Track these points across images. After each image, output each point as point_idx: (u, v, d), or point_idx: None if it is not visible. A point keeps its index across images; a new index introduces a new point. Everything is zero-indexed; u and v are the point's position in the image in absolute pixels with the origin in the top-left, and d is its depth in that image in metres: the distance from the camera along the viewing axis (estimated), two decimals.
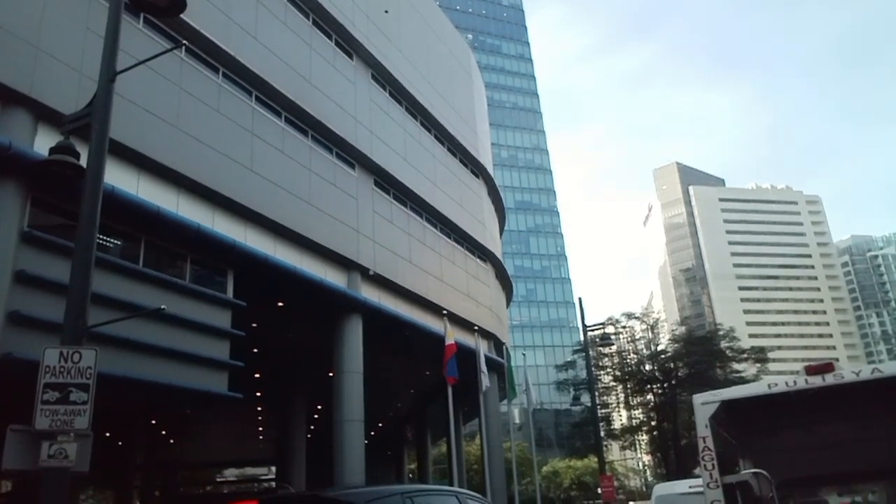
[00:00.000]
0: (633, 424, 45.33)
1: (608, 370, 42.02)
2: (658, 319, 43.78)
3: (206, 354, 13.69)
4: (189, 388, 13.21)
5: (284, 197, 16.73)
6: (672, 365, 38.65)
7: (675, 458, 38.15)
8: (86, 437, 5.97)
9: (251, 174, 15.71)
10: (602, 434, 37.57)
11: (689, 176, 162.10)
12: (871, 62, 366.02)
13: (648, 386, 40.12)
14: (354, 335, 19.02)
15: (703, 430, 7.19)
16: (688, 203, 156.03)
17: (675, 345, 40.35)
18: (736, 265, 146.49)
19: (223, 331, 14.25)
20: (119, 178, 12.04)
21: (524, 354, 35.17)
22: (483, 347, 24.55)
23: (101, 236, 10.62)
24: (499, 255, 31.35)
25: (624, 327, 41.29)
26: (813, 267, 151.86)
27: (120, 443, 28.32)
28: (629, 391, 42.61)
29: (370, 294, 19.85)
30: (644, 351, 41.20)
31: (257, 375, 22.36)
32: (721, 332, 41.96)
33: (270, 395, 26.01)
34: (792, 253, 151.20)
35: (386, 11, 23.49)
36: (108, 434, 24.23)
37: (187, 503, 46.09)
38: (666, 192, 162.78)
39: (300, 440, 26.17)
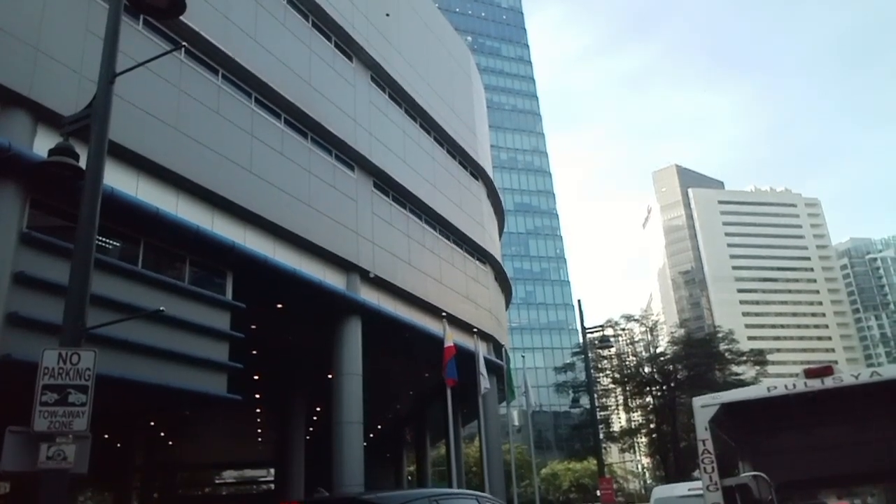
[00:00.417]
0: (633, 427, 45.30)
1: (607, 372, 41.94)
2: (657, 322, 43.67)
3: (205, 356, 13.68)
4: (188, 390, 13.20)
5: (284, 198, 16.72)
6: (671, 367, 38.58)
7: (674, 460, 38.07)
8: (84, 439, 5.95)
9: (250, 176, 15.71)
10: (601, 436, 37.54)
11: (689, 178, 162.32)
12: (871, 62, 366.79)
13: (647, 388, 40.05)
14: (354, 337, 19.02)
15: (702, 432, 7.19)
16: (687, 205, 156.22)
17: (675, 347, 40.29)
18: (735, 268, 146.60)
19: (222, 332, 14.25)
20: (118, 179, 12.04)
21: (523, 356, 35.15)
22: (482, 349, 24.54)
23: (100, 238, 10.61)
24: (498, 257, 31.36)
25: (623, 329, 41.29)
26: (812, 269, 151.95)
27: (119, 444, 28.28)
28: (628, 393, 42.54)
29: (369, 296, 19.84)
30: (643, 353, 41.10)
31: (256, 377, 22.37)
32: (720, 335, 41.89)
33: (269, 396, 26.00)
34: (791, 255, 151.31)
35: (387, 15, 23.51)
36: (106, 436, 24.22)
37: None
38: (665, 195, 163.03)
39: (299, 442, 26.14)
